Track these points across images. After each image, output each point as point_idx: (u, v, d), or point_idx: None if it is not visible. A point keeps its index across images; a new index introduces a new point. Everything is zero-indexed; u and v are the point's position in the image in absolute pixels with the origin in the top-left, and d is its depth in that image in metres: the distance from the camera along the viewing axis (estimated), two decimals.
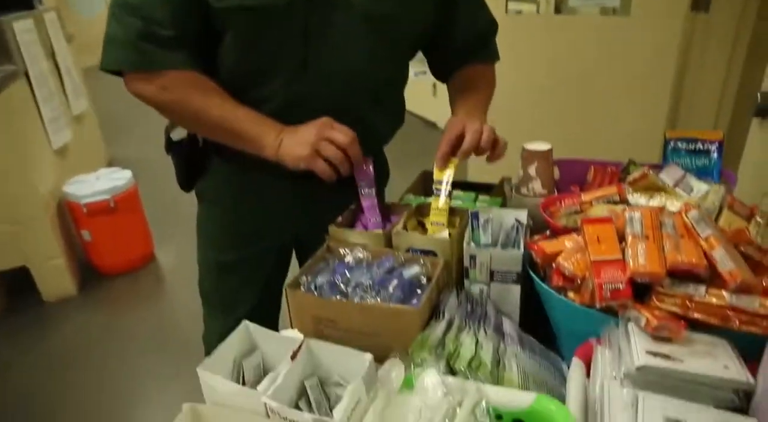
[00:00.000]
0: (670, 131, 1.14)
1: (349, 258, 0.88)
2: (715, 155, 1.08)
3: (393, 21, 0.98)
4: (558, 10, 2.25)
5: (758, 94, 1.31)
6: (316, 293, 0.82)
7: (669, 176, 1.05)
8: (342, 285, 0.81)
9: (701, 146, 1.09)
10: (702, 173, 1.07)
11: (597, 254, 0.72)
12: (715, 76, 1.90)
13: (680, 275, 0.68)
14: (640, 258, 0.68)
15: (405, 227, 0.93)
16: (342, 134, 0.91)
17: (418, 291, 0.79)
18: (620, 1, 2.11)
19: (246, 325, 0.73)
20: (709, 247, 0.67)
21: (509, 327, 0.81)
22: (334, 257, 0.90)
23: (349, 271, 0.84)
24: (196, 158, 1.14)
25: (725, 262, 0.65)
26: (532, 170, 1.02)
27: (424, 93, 4.74)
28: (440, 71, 1.20)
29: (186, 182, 1.17)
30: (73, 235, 2.95)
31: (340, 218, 0.96)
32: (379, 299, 0.78)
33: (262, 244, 1.17)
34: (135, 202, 3.01)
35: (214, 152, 1.11)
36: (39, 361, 2.37)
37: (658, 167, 1.08)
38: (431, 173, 1.11)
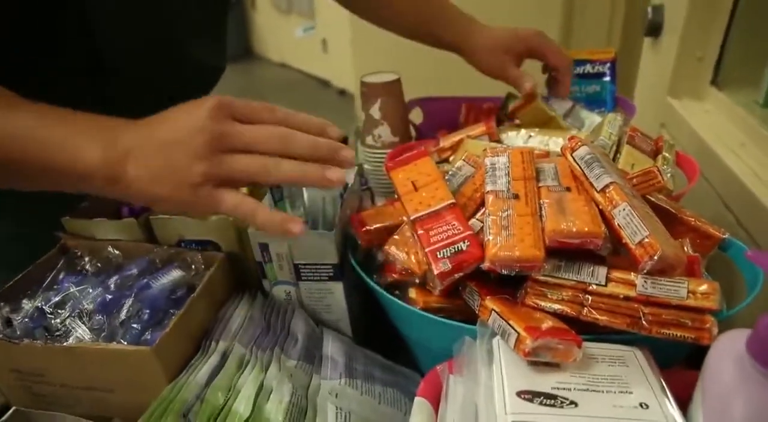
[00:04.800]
0: None
1: (86, 263, 0.56)
2: (607, 78, 0.85)
3: None
4: None
5: (649, 9, 1.10)
6: (17, 330, 0.49)
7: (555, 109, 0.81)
8: (51, 316, 0.49)
9: (591, 69, 0.86)
10: (594, 103, 0.84)
11: (416, 208, 0.46)
12: None
13: (567, 253, 0.43)
14: (503, 236, 0.42)
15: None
16: (258, 128, 0.43)
17: (172, 312, 0.49)
18: None
19: None
20: (609, 204, 0.42)
21: (334, 345, 0.54)
22: (69, 265, 0.57)
23: (77, 286, 0.53)
24: None
25: (635, 227, 0.40)
26: (375, 111, 0.74)
27: (313, 50, 4.36)
28: None
29: None
30: None
31: (86, 203, 0.63)
32: (103, 334, 0.47)
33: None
34: None
35: None
36: None
37: (543, 100, 0.83)
38: None
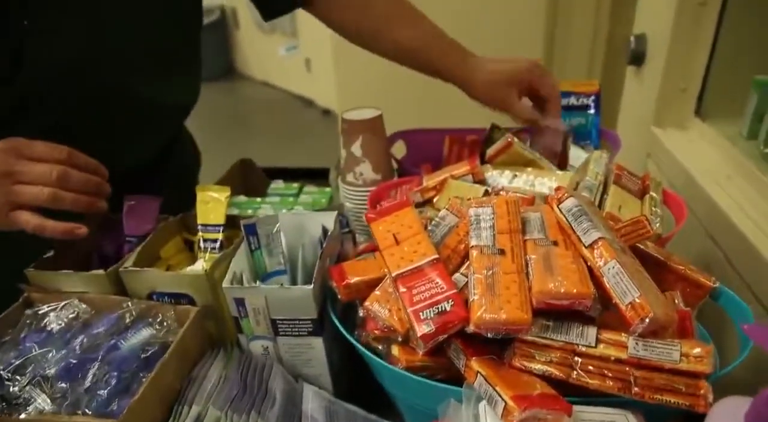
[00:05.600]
0: None
1: (51, 321, 0.53)
2: (592, 111, 0.84)
3: None
4: None
5: (632, 38, 1.11)
6: None
7: None
8: (9, 382, 0.46)
9: (575, 101, 0.85)
10: (579, 136, 0.83)
11: (398, 264, 0.44)
12: (584, 19, 1.70)
13: (555, 313, 0.41)
14: (488, 297, 0.40)
15: (158, 255, 0.59)
16: (41, 166, 0.53)
17: (142, 375, 0.46)
18: None
19: None
20: (599, 260, 0.41)
21: (314, 402, 0.51)
22: (34, 320, 0.54)
23: (40, 347, 0.50)
24: None
25: (625, 287, 0.39)
26: (356, 149, 0.72)
27: (297, 69, 4.36)
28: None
29: None
30: None
31: (51, 252, 0.60)
32: (66, 403, 0.44)
33: None
34: None
35: None
36: None
37: (528, 133, 0.82)
38: (251, 162, 0.80)
